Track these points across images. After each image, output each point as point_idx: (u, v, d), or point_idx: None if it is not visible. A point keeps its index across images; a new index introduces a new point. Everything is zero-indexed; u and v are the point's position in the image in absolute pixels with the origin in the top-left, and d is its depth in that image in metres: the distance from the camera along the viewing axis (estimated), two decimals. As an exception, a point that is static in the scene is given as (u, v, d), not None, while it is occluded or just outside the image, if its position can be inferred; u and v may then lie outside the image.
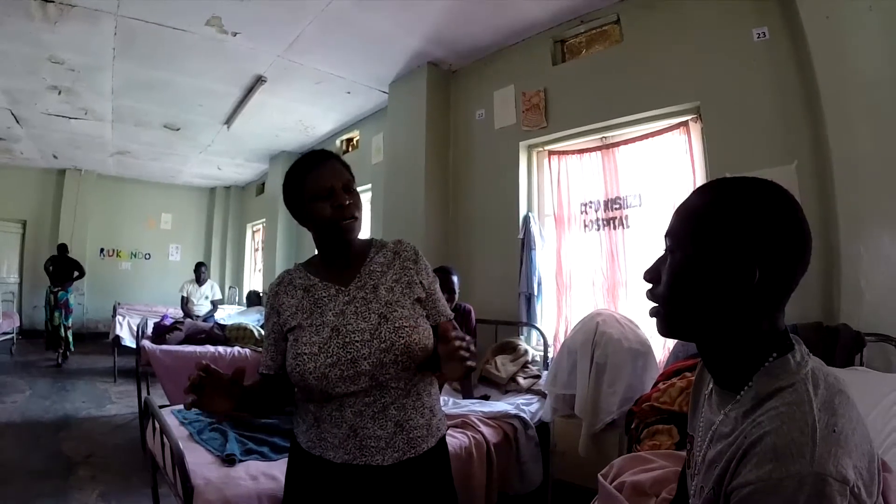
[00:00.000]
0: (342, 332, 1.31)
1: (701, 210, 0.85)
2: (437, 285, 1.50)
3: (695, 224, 0.85)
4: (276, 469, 2.10)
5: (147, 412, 2.59)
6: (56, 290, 7.75)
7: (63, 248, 8.22)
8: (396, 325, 1.32)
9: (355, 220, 1.39)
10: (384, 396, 1.31)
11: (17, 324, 8.11)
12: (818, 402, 0.72)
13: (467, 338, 1.18)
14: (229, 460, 2.18)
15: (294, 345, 1.33)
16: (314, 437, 1.33)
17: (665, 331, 0.91)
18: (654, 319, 0.92)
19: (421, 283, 1.43)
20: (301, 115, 6.56)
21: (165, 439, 2.12)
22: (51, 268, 7.90)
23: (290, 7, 4.01)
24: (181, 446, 2.01)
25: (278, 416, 2.68)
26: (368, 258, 1.44)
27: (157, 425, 2.32)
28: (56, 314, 7.63)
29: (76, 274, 8.03)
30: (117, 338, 6.69)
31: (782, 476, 0.67)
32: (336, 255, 1.43)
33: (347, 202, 1.35)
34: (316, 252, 1.50)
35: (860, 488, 0.67)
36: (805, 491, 0.65)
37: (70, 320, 7.78)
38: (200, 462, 2.15)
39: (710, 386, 0.93)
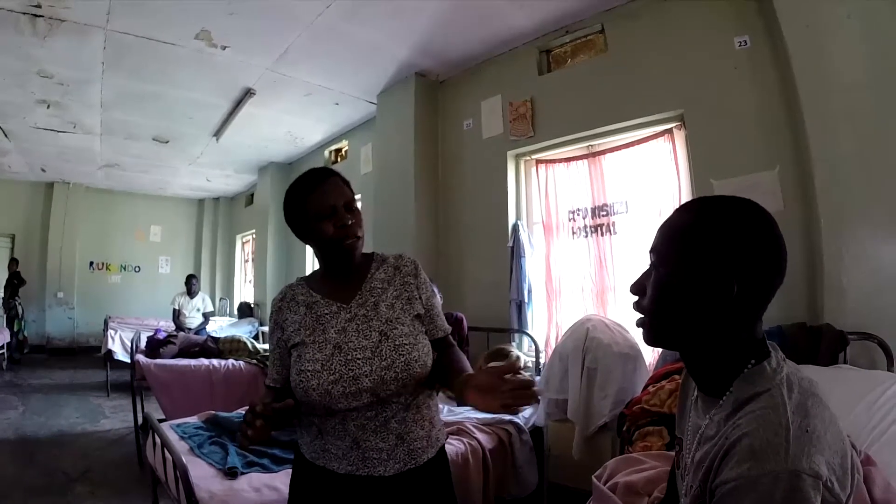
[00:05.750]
0: (344, 350, 1.33)
1: (683, 228, 0.91)
2: (436, 300, 1.53)
3: (677, 241, 0.91)
4: (278, 480, 2.13)
5: (147, 427, 2.61)
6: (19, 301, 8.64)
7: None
8: (397, 342, 1.34)
9: (358, 239, 1.40)
10: (385, 411, 1.33)
11: (8, 339, 8.08)
12: (792, 405, 0.78)
13: (525, 380, 1.11)
14: (231, 473, 2.21)
15: (297, 361, 1.35)
16: (318, 449, 1.36)
17: (651, 340, 0.97)
18: (641, 329, 0.97)
19: (420, 297, 1.45)
20: (290, 126, 6.61)
21: (167, 454, 2.14)
22: (16, 282, 8.71)
23: (278, 20, 4.06)
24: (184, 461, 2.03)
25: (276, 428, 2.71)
26: (370, 274, 1.46)
27: (157, 440, 2.33)
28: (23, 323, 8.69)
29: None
30: (110, 352, 6.65)
31: (759, 473, 0.73)
32: (338, 272, 1.45)
33: (350, 221, 1.37)
34: (311, 264, 1.51)
35: (833, 482, 0.73)
36: (781, 486, 0.71)
37: None
38: (203, 476, 2.18)
39: (696, 393, 0.99)
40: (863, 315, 2.48)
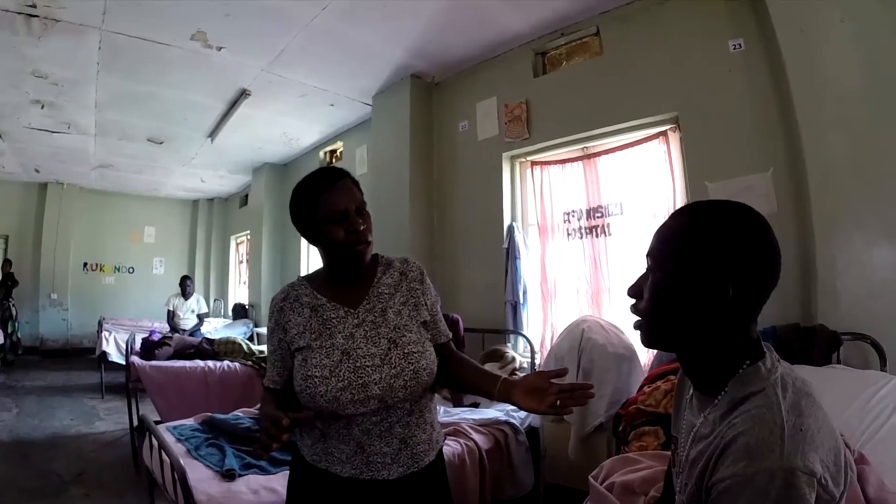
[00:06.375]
0: (352, 356, 1.31)
1: (678, 232, 0.93)
2: (439, 305, 1.52)
3: (673, 245, 0.92)
4: (276, 482, 2.14)
5: (142, 429, 2.60)
6: (13, 302, 8.59)
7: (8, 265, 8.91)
8: (406, 350, 1.34)
9: (369, 244, 1.38)
10: (390, 416, 1.33)
11: (2, 340, 8.03)
12: (786, 405, 0.80)
13: (573, 384, 1.23)
14: (229, 475, 2.21)
15: (303, 366, 1.33)
16: (320, 452, 1.35)
17: (648, 342, 0.98)
18: (638, 332, 0.99)
19: (425, 303, 1.45)
20: (285, 127, 6.61)
21: (165, 456, 2.13)
22: (9, 283, 8.68)
23: (274, 22, 4.05)
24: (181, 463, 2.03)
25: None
26: (376, 278, 1.44)
27: (154, 442, 2.32)
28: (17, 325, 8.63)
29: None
30: (104, 354, 6.62)
31: (755, 471, 0.74)
32: (344, 275, 1.43)
33: (362, 227, 1.35)
34: (306, 266, 1.49)
35: (827, 479, 0.75)
36: (776, 484, 0.72)
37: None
38: (201, 478, 2.18)
39: (691, 391, 1.00)
40: (856, 316, 2.51)
